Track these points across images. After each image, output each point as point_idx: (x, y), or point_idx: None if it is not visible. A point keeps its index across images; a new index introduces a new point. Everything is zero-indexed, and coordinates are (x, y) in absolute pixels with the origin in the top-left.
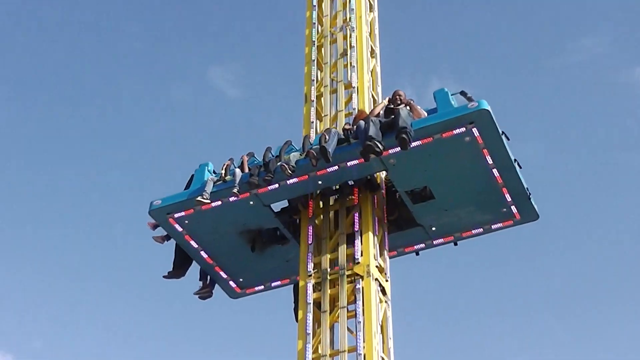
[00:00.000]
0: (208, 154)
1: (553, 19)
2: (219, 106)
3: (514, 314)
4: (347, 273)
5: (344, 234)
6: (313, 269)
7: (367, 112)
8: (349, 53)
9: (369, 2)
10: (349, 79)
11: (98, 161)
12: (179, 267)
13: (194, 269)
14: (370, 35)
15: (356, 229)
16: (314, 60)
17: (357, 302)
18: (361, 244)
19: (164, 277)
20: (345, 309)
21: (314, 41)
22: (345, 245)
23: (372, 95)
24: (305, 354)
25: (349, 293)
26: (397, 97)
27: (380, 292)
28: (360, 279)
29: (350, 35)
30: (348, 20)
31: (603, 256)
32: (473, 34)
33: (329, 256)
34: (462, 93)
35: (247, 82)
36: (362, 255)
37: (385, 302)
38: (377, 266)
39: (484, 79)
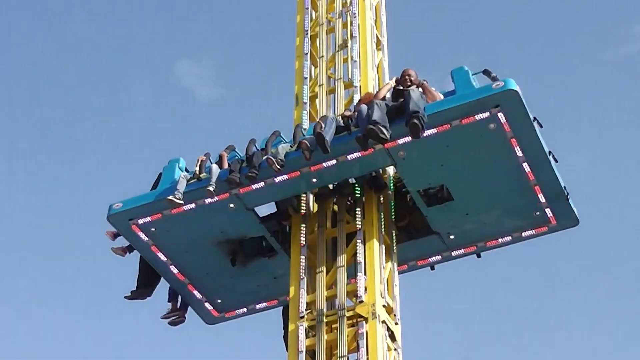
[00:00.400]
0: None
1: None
2: (187, 108)
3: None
4: (347, 314)
5: (342, 256)
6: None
7: (372, 96)
8: (349, 45)
9: None
10: (349, 77)
11: (46, 163)
12: (145, 286)
13: (163, 287)
14: (375, 23)
15: (358, 259)
16: (306, 54)
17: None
18: (365, 273)
19: (126, 297)
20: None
21: (307, 30)
22: (344, 273)
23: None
24: None
25: (350, 339)
26: (407, 77)
27: (388, 338)
28: (364, 322)
29: (352, 22)
30: (348, 4)
31: None
32: (502, 21)
33: (325, 293)
34: (486, 72)
35: (222, 80)
36: (366, 291)
37: (395, 349)
38: (384, 305)
39: (518, 75)
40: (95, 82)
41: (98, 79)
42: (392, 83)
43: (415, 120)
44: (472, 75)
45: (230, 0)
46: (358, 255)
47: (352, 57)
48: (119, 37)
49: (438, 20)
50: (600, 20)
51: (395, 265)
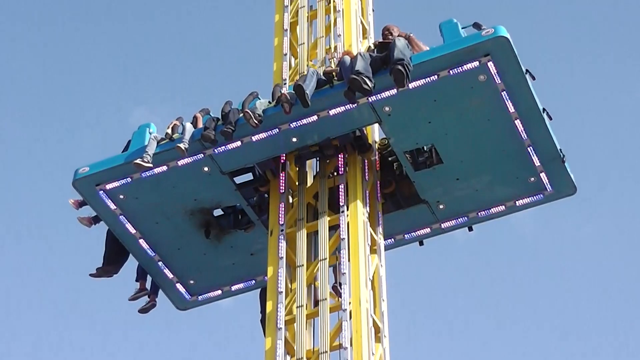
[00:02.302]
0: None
1: None
2: None
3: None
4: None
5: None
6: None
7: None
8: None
9: None
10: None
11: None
12: (111, 262)
13: (132, 264)
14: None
15: (342, 236)
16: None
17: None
18: (348, 253)
19: (91, 275)
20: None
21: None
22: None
23: (362, 22)
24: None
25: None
26: (387, 32)
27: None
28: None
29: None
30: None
31: None
32: None
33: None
34: (476, 25)
35: None
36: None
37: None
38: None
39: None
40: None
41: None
42: (372, 46)
43: (399, 67)
44: (462, 28)
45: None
46: (342, 232)
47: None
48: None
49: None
50: None
51: (382, 238)
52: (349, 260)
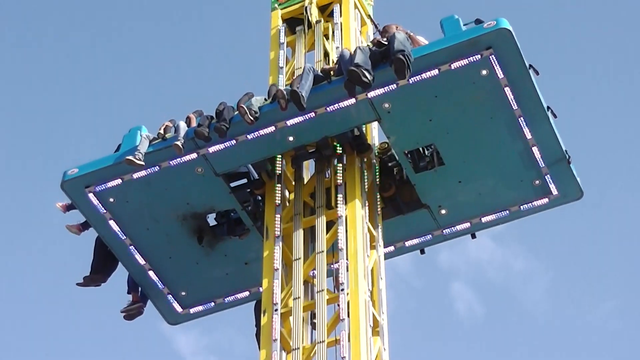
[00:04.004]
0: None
1: None
2: None
3: None
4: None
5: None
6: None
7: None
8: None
9: None
10: None
11: None
12: (99, 270)
13: (121, 274)
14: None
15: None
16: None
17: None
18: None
19: (78, 284)
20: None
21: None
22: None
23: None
24: None
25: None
26: (386, 30)
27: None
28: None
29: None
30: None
31: None
32: None
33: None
34: (478, 22)
35: None
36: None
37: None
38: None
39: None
40: None
41: None
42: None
43: (400, 56)
44: (464, 25)
45: None
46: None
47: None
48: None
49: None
50: None
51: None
52: (349, 341)
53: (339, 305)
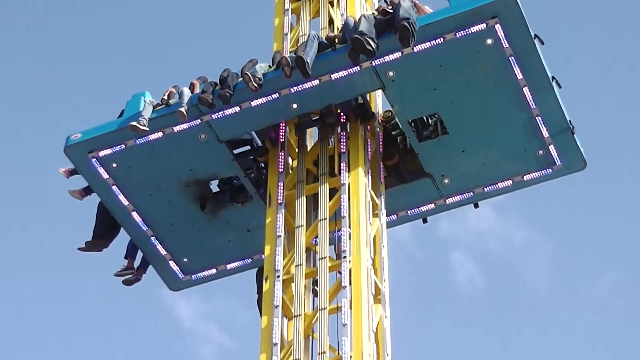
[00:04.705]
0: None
1: None
2: None
3: None
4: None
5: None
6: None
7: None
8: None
9: None
10: None
11: None
12: (101, 235)
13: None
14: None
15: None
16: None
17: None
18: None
19: (79, 249)
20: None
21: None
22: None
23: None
24: None
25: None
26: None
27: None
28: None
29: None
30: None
31: None
32: None
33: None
34: None
35: None
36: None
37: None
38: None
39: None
40: None
41: None
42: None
43: (405, 23)
44: None
45: None
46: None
47: None
48: None
49: None
50: None
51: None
52: (349, 227)
53: (340, 272)
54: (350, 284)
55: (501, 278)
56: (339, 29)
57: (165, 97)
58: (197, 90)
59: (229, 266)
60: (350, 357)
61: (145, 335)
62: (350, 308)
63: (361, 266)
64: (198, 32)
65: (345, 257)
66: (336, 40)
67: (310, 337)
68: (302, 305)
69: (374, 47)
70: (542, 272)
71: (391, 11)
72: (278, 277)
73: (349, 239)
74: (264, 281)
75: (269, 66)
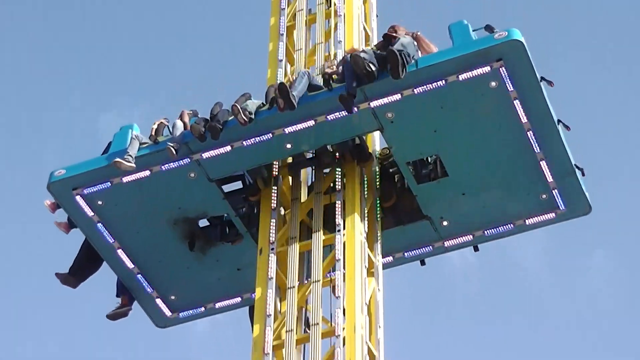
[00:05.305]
0: None
1: None
2: None
3: None
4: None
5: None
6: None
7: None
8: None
9: None
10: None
11: None
12: (78, 271)
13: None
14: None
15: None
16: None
17: None
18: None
19: (56, 275)
20: None
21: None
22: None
23: (365, 28)
24: None
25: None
26: (392, 30)
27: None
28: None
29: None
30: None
31: None
32: None
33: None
34: (488, 28)
35: None
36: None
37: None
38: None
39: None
40: None
41: None
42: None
43: (394, 49)
44: (473, 31)
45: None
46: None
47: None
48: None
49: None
50: None
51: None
52: (343, 281)
53: (334, 245)
54: (343, 256)
55: (493, 254)
56: (335, 56)
57: (154, 134)
58: (186, 118)
59: (218, 304)
60: (343, 328)
61: (144, 333)
62: (344, 281)
63: (355, 240)
64: (197, 35)
65: (339, 230)
66: (333, 77)
67: (304, 309)
68: (295, 278)
69: (374, 69)
70: (536, 251)
71: (390, 36)
72: (272, 249)
73: (343, 209)
74: (258, 253)
75: (262, 104)
